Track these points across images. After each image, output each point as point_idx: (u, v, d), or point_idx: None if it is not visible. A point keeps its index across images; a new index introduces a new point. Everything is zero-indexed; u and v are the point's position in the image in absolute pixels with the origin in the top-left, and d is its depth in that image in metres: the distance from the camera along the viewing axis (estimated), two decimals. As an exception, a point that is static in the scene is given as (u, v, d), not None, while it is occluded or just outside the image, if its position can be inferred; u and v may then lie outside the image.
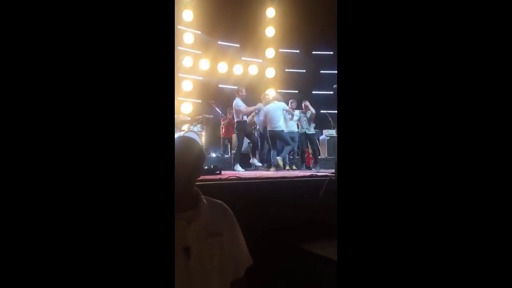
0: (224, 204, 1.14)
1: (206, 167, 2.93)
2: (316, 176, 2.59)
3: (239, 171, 4.18)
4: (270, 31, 7.22)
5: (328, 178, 2.19)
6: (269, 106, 4.61)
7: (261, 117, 4.81)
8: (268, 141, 4.78)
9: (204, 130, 5.41)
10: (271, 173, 3.73)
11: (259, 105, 4.71)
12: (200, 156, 1.09)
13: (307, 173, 3.26)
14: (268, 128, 4.60)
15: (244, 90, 4.62)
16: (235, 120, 4.56)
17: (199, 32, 6.55)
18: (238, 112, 4.45)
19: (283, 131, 4.54)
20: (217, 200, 1.14)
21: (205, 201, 1.08)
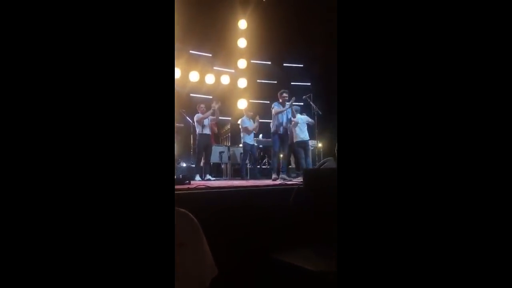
0: (189, 213, 1.10)
1: (175, 177, 2.85)
2: (286, 184, 2.61)
3: (210, 180, 4.14)
4: (242, 42, 7.32)
5: (297, 186, 2.21)
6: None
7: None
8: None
9: (175, 139, 5.30)
10: (241, 182, 3.70)
11: (213, 105, 4.73)
12: None
13: (277, 182, 3.27)
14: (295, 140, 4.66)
15: (202, 106, 4.72)
16: (197, 132, 4.58)
17: (171, 41, 6.48)
18: (197, 123, 4.58)
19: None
20: (180, 209, 1.10)
21: (168, 210, 1.04)
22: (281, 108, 4.06)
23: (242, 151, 5.20)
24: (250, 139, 5.01)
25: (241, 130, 5.06)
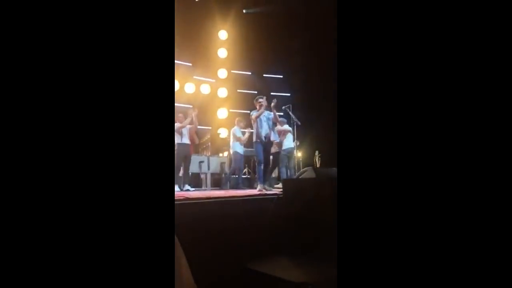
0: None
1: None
2: (266, 194, 2.61)
3: (189, 191, 4.06)
4: (222, 52, 7.36)
5: (276, 196, 2.22)
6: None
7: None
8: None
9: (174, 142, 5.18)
10: (221, 192, 3.67)
11: (190, 113, 4.67)
12: None
13: (256, 191, 3.27)
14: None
15: (180, 115, 4.63)
16: (176, 142, 4.52)
17: (150, 49, 6.41)
18: (176, 133, 4.51)
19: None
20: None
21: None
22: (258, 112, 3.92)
23: (223, 161, 5.16)
24: (241, 149, 5.01)
25: (232, 139, 5.05)
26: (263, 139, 3.91)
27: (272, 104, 3.92)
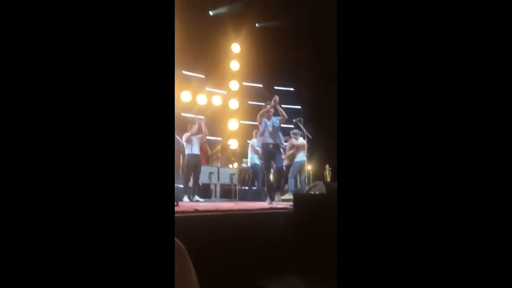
0: (177, 241, 1.08)
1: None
2: (276, 208, 2.59)
3: (198, 202, 4.07)
4: (234, 65, 7.48)
5: (286, 211, 2.20)
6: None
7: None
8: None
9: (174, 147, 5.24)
10: (230, 204, 3.66)
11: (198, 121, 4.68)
12: None
13: (266, 204, 3.25)
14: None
15: (193, 127, 4.59)
16: (186, 152, 4.53)
17: (164, 61, 6.57)
18: (186, 143, 4.54)
19: None
20: (169, 236, 1.08)
21: (155, 237, 1.02)
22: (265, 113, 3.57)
23: (232, 172, 5.18)
24: (259, 161, 5.04)
25: (250, 152, 5.14)
26: (269, 141, 3.61)
27: (275, 100, 3.65)
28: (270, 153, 3.64)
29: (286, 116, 3.82)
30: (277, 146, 3.69)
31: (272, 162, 3.67)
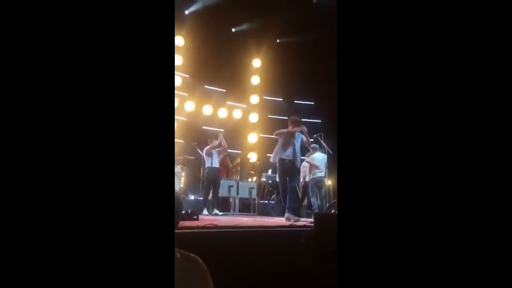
0: (199, 259, 1.09)
1: (183, 212, 2.83)
2: (295, 226, 2.55)
3: (217, 215, 4.08)
4: (255, 80, 7.60)
5: (308, 230, 2.16)
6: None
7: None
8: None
9: (184, 171, 5.33)
10: (249, 219, 3.64)
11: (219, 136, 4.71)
12: (176, 205, 1.05)
13: (286, 222, 3.20)
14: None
15: (214, 142, 4.61)
16: (206, 165, 4.58)
17: (187, 76, 6.79)
18: (206, 156, 4.57)
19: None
20: (191, 254, 1.09)
21: (178, 255, 1.03)
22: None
23: (252, 186, 5.17)
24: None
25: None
26: (286, 161, 3.45)
27: (304, 130, 3.60)
28: (287, 168, 3.51)
29: (310, 145, 3.84)
30: (292, 162, 3.55)
31: (286, 175, 3.51)
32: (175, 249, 1.03)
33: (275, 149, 3.59)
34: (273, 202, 5.71)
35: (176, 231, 1.10)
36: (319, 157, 4.65)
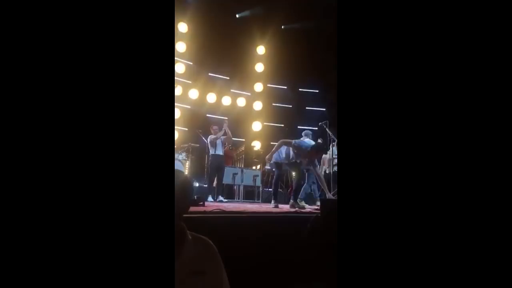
0: (209, 241, 1.10)
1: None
2: (301, 212, 2.57)
3: (222, 202, 4.12)
4: (259, 67, 7.51)
5: (314, 215, 2.18)
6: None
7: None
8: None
9: (189, 159, 5.35)
10: (255, 206, 3.67)
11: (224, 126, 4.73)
12: (186, 189, 1.05)
13: (292, 209, 3.23)
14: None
15: (215, 127, 4.72)
16: (210, 153, 4.60)
17: (191, 63, 6.73)
18: (210, 144, 4.59)
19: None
20: (202, 236, 1.10)
21: (190, 237, 1.04)
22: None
23: (256, 173, 5.19)
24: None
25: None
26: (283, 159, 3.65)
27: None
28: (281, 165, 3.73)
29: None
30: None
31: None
32: (187, 231, 1.05)
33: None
34: (281, 189, 5.74)
35: (184, 215, 1.12)
36: (306, 144, 4.60)
